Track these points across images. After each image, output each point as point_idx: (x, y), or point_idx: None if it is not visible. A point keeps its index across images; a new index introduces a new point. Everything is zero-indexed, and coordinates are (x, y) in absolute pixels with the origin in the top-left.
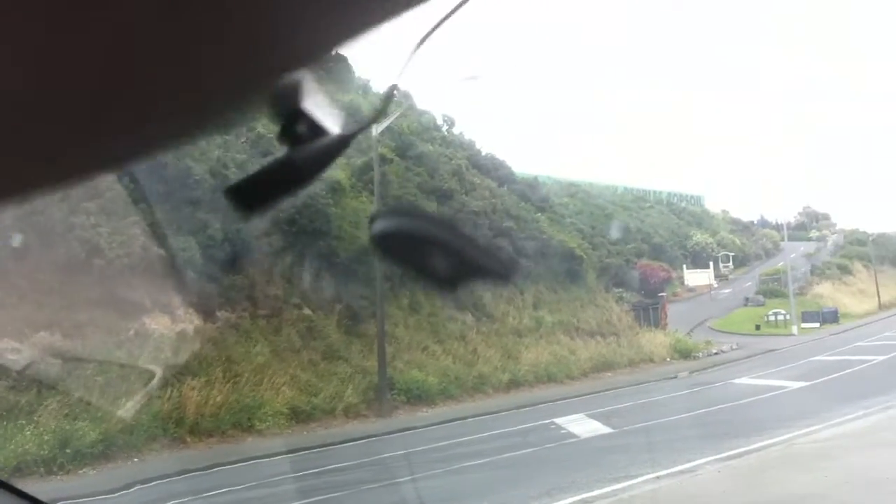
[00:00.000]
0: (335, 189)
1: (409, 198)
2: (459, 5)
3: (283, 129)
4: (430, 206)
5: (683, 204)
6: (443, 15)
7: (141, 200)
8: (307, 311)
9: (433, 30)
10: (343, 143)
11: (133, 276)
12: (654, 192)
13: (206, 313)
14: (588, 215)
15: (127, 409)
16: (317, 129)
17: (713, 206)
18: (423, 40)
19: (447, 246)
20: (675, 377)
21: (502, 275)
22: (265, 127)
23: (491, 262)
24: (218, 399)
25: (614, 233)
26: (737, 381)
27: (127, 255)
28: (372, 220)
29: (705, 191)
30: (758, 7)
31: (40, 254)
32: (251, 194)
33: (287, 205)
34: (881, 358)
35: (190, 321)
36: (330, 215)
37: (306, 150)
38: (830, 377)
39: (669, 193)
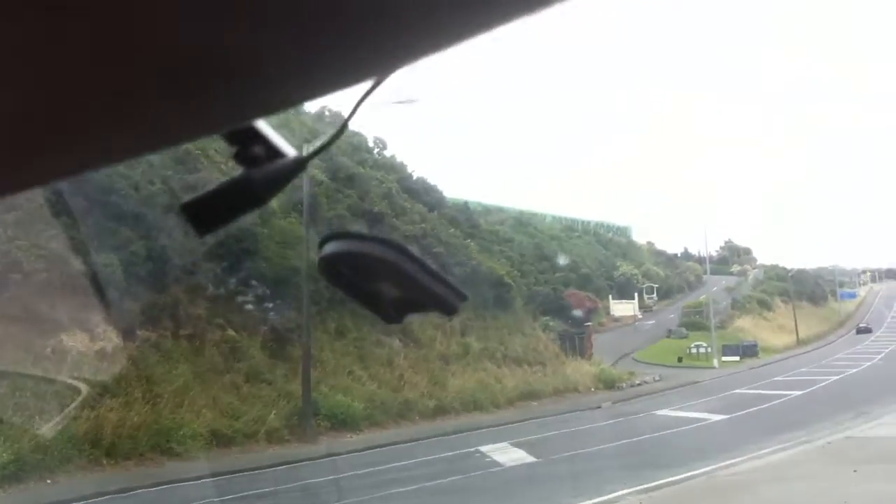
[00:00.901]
0: (263, 209)
1: (339, 220)
2: (375, 86)
3: (239, 151)
4: (360, 229)
5: (611, 234)
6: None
7: (62, 214)
8: (231, 332)
9: (363, 99)
10: (299, 165)
11: (52, 291)
12: (583, 221)
13: (127, 332)
14: (517, 243)
15: (46, 428)
16: (273, 152)
17: (640, 237)
18: (356, 106)
19: (399, 272)
20: (600, 407)
21: (451, 304)
22: (194, 144)
23: (441, 290)
24: (136, 420)
25: (561, 261)
26: (659, 412)
27: (46, 270)
28: (322, 242)
29: (632, 222)
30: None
31: None
32: (207, 212)
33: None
34: (798, 393)
35: (110, 340)
36: (258, 235)
37: (263, 172)
38: (750, 410)
39: (597, 223)
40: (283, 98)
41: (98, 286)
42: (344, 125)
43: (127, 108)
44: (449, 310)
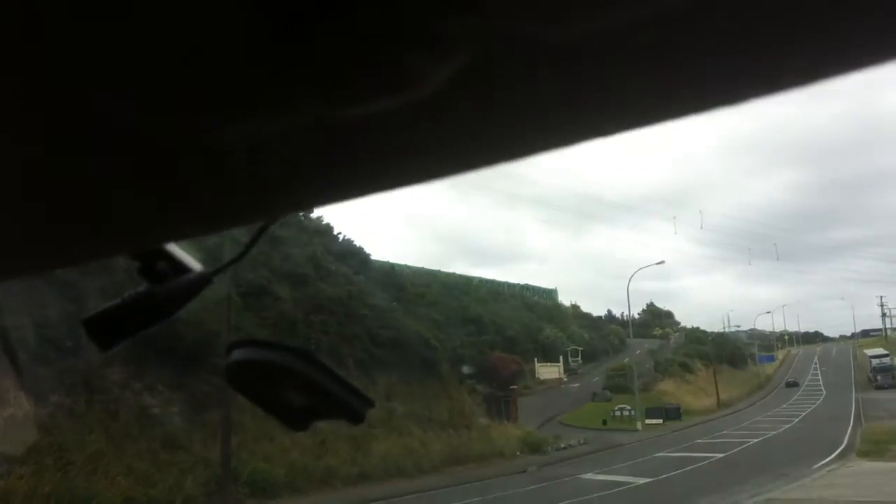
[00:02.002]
0: None
1: (262, 282)
2: (259, 233)
3: (143, 267)
4: (284, 291)
5: (537, 297)
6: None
7: None
8: (147, 398)
9: (265, 228)
10: (204, 281)
11: None
12: (509, 284)
13: (39, 397)
14: (444, 305)
15: None
16: (178, 267)
17: (565, 298)
18: (250, 244)
19: (305, 380)
20: (525, 471)
21: (357, 411)
22: None
23: (348, 397)
24: (47, 489)
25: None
26: (584, 476)
27: None
28: (229, 349)
29: (558, 284)
30: None
31: None
32: (109, 326)
33: (129, 284)
34: (720, 455)
35: (20, 406)
36: None
37: (167, 287)
38: (673, 474)
39: (523, 286)
40: (194, 229)
41: (8, 349)
42: (248, 248)
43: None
44: (356, 417)
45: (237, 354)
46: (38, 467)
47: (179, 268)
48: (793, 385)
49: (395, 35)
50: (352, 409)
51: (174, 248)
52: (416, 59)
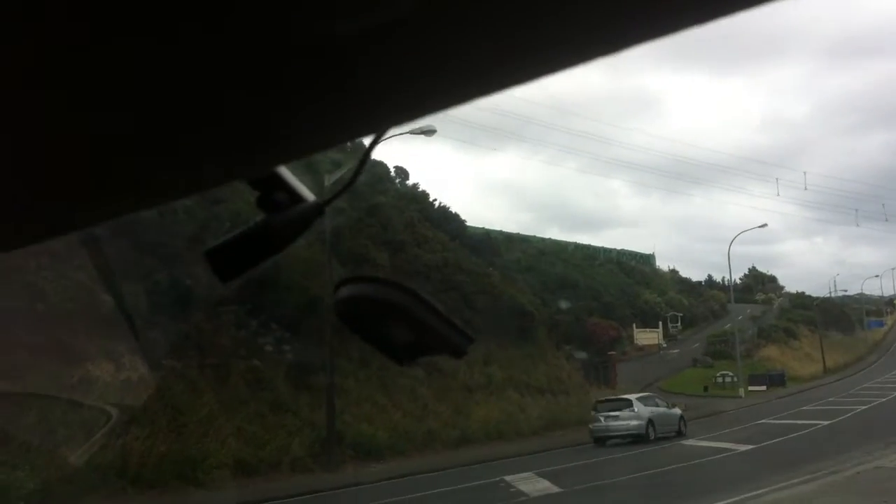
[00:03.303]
0: None
1: (361, 249)
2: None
3: (261, 197)
4: (382, 258)
5: (633, 263)
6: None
7: (88, 243)
8: (255, 362)
9: (374, 143)
10: (319, 208)
11: (77, 321)
12: (605, 249)
13: (152, 361)
14: (539, 271)
15: (73, 457)
16: (294, 197)
17: (663, 264)
18: (371, 147)
19: (410, 315)
20: None
21: (459, 347)
22: None
23: (450, 333)
24: (162, 449)
25: (562, 305)
26: (685, 442)
27: (71, 300)
28: (338, 286)
29: (655, 249)
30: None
31: None
32: (230, 257)
33: None
34: (826, 423)
35: (135, 369)
36: (280, 265)
37: (284, 216)
38: (777, 440)
39: (620, 251)
40: (305, 146)
41: (124, 316)
42: (358, 169)
43: (161, 157)
44: (458, 352)
45: (345, 291)
46: (154, 428)
47: (295, 197)
48: None
49: None
50: (454, 344)
51: (290, 178)
52: None
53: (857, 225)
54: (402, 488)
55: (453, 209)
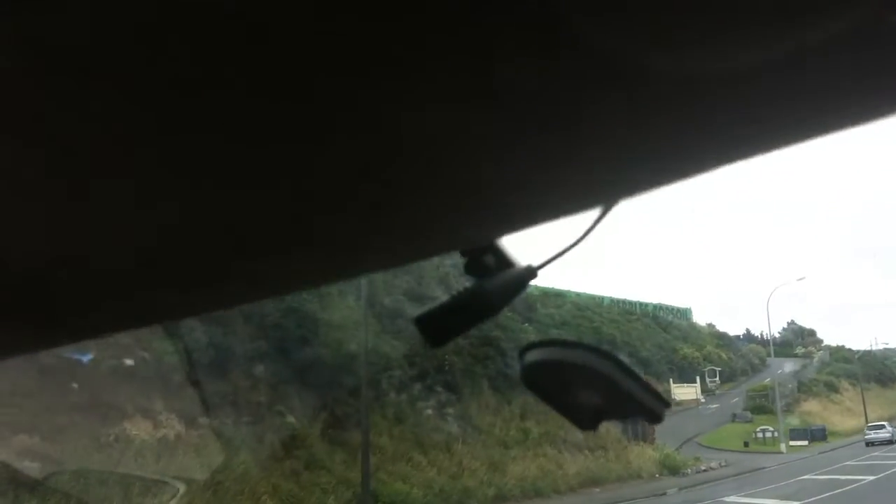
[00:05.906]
0: (322, 294)
1: (395, 304)
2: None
3: (469, 262)
4: (416, 313)
5: (670, 317)
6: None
7: None
8: (290, 419)
9: (584, 235)
10: (530, 274)
11: (115, 379)
12: (641, 303)
13: (189, 419)
14: (574, 326)
15: None
16: (501, 261)
17: (700, 318)
18: (577, 242)
19: (603, 379)
20: (665, 493)
21: (655, 412)
22: None
23: (646, 398)
24: None
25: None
26: (727, 499)
27: (110, 358)
28: (524, 350)
29: (692, 303)
30: None
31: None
32: (441, 323)
33: (272, 308)
34: (871, 478)
35: (172, 427)
36: (318, 321)
37: (495, 282)
38: (823, 496)
39: (656, 306)
40: (521, 220)
41: (160, 373)
42: (579, 240)
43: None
44: (654, 417)
45: (532, 356)
46: (190, 487)
47: (502, 261)
48: None
49: None
50: (651, 408)
51: (499, 242)
52: None
53: None
54: None
55: None
